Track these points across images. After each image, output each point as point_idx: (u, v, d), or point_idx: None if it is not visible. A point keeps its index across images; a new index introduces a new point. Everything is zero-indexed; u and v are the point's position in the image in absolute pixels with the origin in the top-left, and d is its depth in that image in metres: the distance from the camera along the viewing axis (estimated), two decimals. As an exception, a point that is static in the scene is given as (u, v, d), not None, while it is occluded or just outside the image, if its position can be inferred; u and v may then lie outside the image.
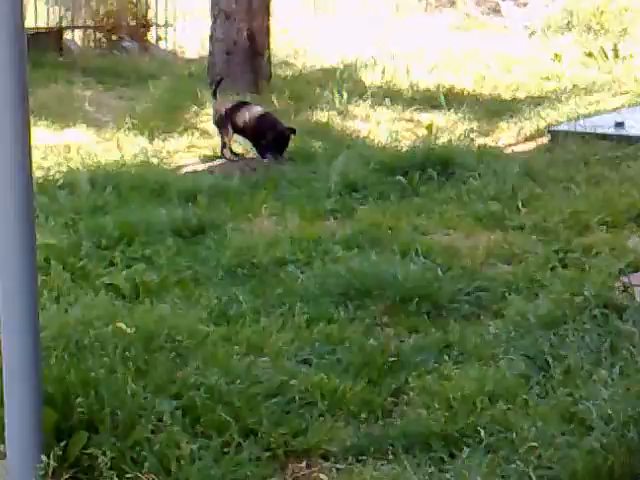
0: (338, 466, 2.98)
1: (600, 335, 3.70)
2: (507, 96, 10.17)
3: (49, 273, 4.39)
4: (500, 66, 12.00)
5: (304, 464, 3.01)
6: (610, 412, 3.08)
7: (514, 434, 3.02)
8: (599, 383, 3.29)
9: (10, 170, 2.50)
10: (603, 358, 3.53)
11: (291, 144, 7.43)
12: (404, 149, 7.30)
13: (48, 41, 11.79)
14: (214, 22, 10.07)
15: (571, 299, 4.08)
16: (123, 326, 3.63)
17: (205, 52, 10.72)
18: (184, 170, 7.01)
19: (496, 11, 17.88)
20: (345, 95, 9.19)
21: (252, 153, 7.45)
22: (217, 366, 3.44)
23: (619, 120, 7.90)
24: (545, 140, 7.88)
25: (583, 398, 3.20)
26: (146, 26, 13.21)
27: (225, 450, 2.97)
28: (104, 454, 2.82)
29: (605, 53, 12.10)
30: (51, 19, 12.42)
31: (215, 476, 2.85)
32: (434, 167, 6.62)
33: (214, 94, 7.60)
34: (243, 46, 9.95)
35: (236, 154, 7.40)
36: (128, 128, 7.95)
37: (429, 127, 8.17)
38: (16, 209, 2.49)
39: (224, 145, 7.39)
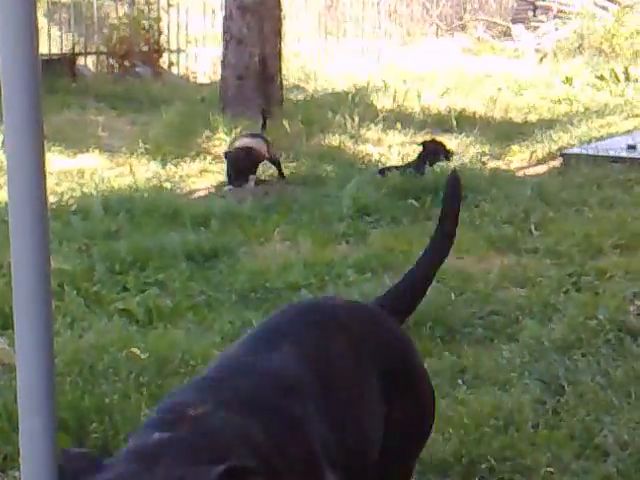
0: (353, 492, 2.96)
1: (615, 359, 3.68)
2: (519, 119, 10.19)
3: (63, 298, 4.40)
4: (511, 89, 12.03)
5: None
6: (626, 437, 3.07)
7: (529, 459, 3.01)
8: (615, 408, 3.28)
9: (25, 196, 2.50)
10: (618, 382, 3.51)
11: (302, 168, 7.44)
12: (416, 173, 7.30)
13: (61, 67, 11.89)
14: (226, 47, 10.13)
15: (585, 323, 4.06)
16: (137, 351, 3.64)
17: (217, 77, 10.78)
18: (196, 194, 7.04)
19: (507, 35, 17.97)
20: (357, 119, 9.22)
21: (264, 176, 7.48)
22: (231, 391, 3.43)
23: (631, 143, 7.90)
24: (557, 163, 7.87)
25: (598, 423, 3.19)
26: (158, 52, 13.30)
27: (239, 476, 2.96)
28: (118, 480, 2.82)
29: (617, 76, 12.13)
30: (64, 45, 12.53)
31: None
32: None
33: (263, 126, 7.63)
34: (255, 71, 9.99)
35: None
36: (141, 153, 7.99)
37: (441, 150, 8.17)
38: (31, 235, 2.49)
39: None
